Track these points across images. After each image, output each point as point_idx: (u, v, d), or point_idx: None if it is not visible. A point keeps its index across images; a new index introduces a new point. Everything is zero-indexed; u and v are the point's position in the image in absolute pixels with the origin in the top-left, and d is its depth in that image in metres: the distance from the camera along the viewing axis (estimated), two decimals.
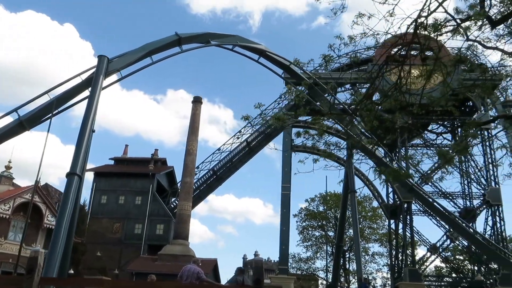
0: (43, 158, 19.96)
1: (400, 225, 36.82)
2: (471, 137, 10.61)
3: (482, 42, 10.23)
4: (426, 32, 8.63)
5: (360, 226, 56.08)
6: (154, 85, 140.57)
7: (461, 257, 49.87)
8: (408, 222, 33.90)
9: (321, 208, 59.03)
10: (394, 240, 38.18)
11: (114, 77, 22.89)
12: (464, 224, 25.23)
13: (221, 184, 43.93)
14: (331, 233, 58.90)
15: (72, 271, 30.68)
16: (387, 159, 29.58)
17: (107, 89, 22.17)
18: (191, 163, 38.18)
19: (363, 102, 10.16)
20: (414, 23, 8.21)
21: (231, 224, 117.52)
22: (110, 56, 21.43)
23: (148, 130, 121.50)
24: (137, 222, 41.02)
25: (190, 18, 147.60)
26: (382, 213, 55.09)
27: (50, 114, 20.27)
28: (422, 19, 8.27)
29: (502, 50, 10.42)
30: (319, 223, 59.51)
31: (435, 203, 25.13)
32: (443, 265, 43.51)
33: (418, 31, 8.52)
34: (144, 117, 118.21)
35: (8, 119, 19.52)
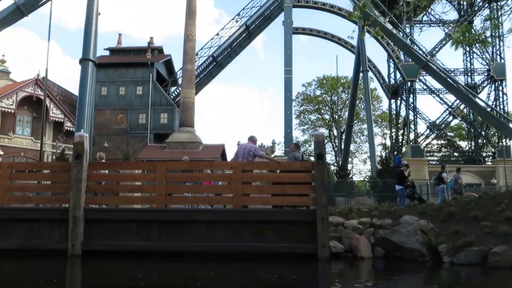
0: (49, 47, 18.89)
1: (401, 105, 37.32)
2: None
3: None
4: None
5: (356, 108, 57.05)
6: None
7: (452, 134, 51.86)
8: (411, 101, 34.23)
9: (317, 92, 59.31)
10: (394, 120, 38.98)
11: None
12: (473, 97, 25.49)
13: (221, 71, 43.18)
14: (327, 116, 60.14)
15: None
16: (401, 35, 28.63)
17: None
18: (191, 49, 36.69)
19: None
20: None
21: (220, 112, 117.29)
22: None
23: (125, 23, 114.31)
24: (141, 112, 40.82)
25: None
26: (378, 94, 55.66)
27: None
28: None
29: None
30: (316, 107, 60.24)
31: (448, 79, 25.05)
32: (441, 141, 45.14)
33: None
34: (118, 10, 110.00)
35: (4, 4, 17.98)
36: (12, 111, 31.05)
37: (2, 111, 30.67)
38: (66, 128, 34.21)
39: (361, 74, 28.80)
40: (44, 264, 7.60)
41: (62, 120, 33.95)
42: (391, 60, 36.45)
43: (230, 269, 7.33)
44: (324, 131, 60.83)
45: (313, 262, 7.89)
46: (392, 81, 38.04)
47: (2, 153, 28.31)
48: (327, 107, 59.62)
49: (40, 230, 8.33)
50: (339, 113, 57.42)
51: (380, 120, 56.27)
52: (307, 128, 62.02)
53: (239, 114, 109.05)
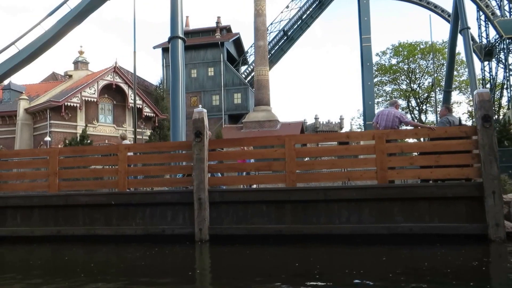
0: (135, 35, 18.58)
1: (497, 67, 33.62)
2: None
3: None
4: None
5: (435, 75, 53.01)
6: None
7: None
8: (511, 61, 30.68)
9: (393, 61, 55.68)
10: (489, 83, 35.37)
11: None
12: None
13: (292, 45, 41.65)
14: (404, 86, 56.52)
15: None
16: None
17: None
18: (262, 24, 35.55)
19: None
20: None
21: (289, 88, 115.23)
22: None
23: (188, 5, 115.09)
24: (214, 94, 40.60)
25: None
26: (463, 58, 51.17)
27: None
28: None
29: None
30: (391, 77, 56.79)
31: None
32: None
33: None
34: None
35: None
36: (95, 99, 31.85)
37: (86, 101, 31.50)
38: (145, 114, 34.68)
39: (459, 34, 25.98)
40: (174, 250, 7.05)
41: (140, 106, 34.40)
42: (483, 17, 32.79)
43: (396, 254, 6.24)
44: (401, 102, 57.44)
45: (482, 244, 6.61)
46: (484, 41, 34.34)
47: (89, 141, 29.18)
48: (403, 76, 56.01)
49: (163, 215, 7.82)
50: (418, 82, 53.76)
51: (465, 86, 51.76)
52: (382, 100, 58.88)
53: (308, 88, 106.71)
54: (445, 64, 51.60)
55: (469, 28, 24.37)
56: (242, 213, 7.63)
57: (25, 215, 8.21)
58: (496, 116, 33.09)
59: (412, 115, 54.40)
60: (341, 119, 61.78)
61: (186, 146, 8.33)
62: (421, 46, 50.26)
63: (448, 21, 36.64)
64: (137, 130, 33.17)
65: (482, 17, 33.56)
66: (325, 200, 7.35)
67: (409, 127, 7.90)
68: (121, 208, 7.89)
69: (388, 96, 58.99)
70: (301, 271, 5.34)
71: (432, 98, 52.98)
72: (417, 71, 53.26)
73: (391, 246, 6.76)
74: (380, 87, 58.54)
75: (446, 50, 51.03)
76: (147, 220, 7.83)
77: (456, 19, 25.32)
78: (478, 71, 39.42)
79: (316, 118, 74.58)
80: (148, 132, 34.40)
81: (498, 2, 31.47)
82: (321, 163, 8.12)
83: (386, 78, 57.32)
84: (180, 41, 15.31)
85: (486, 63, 35.31)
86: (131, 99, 33.85)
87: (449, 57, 28.08)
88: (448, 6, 34.63)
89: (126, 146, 8.13)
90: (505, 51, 30.34)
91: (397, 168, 7.52)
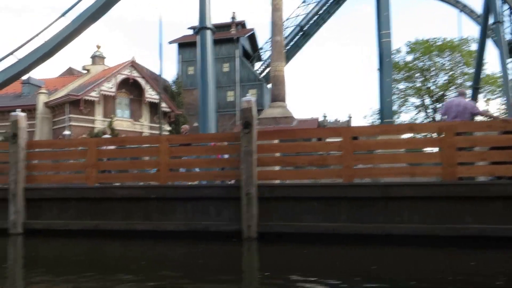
0: (161, 30, 18.09)
1: None
2: None
3: None
4: None
5: (451, 72, 51.98)
6: None
7: None
8: None
9: (408, 58, 54.69)
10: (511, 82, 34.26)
11: None
12: None
13: (308, 41, 40.91)
14: (418, 84, 55.61)
15: None
16: None
17: None
18: (279, 19, 34.63)
19: None
20: None
21: (294, 87, 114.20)
22: None
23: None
24: (228, 90, 40.06)
25: None
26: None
27: None
28: None
29: None
30: (405, 75, 55.88)
31: None
32: None
33: None
34: None
35: None
36: (113, 94, 31.71)
37: (104, 95, 31.39)
38: (161, 109, 34.31)
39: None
40: (223, 248, 6.57)
41: (157, 101, 34.03)
42: (507, 11, 31.69)
43: (483, 258, 5.62)
44: (415, 100, 56.53)
45: None
46: (509, 36, 33.27)
47: (108, 136, 28.97)
48: (418, 74, 55.11)
49: (206, 210, 7.27)
50: (433, 80, 52.89)
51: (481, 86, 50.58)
52: (395, 98, 57.93)
53: (319, 86, 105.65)
54: (461, 62, 50.87)
55: (502, 22, 23.28)
56: (293, 210, 7.03)
57: (61, 208, 7.81)
58: None
59: (426, 113, 53.59)
60: (349, 117, 60.86)
61: (232, 137, 7.78)
62: (439, 43, 49.34)
63: (470, 16, 35.76)
64: (154, 125, 32.95)
65: (507, 11, 32.57)
66: (385, 198, 6.75)
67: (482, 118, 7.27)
68: (161, 202, 7.40)
69: (401, 93, 58.26)
70: (387, 275, 4.79)
71: (446, 97, 52.00)
72: (432, 69, 52.31)
73: (463, 250, 6.07)
74: (393, 85, 57.53)
75: (464, 47, 50.43)
76: (189, 215, 7.28)
77: (487, 12, 24.36)
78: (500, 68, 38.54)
79: (324, 117, 73.65)
80: (169, 128, 34.07)
81: None
82: (381, 158, 7.53)
83: (400, 75, 56.43)
84: (209, 32, 14.85)
85: (509, 60, 34.23)
86: (148, 94, 33.57)
87: (479, 52, 27.02)
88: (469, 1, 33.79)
89: (167, 137, 7.64)
90: None
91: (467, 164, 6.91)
